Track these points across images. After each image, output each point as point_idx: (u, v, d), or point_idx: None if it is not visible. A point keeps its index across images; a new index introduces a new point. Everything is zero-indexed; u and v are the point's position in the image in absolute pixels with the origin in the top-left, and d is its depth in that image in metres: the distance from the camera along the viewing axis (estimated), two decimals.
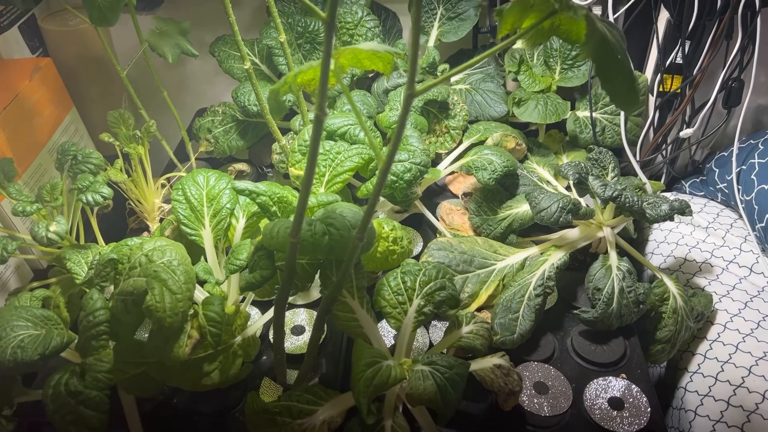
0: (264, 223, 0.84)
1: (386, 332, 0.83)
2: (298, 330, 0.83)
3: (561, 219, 0.81)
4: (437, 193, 1.05)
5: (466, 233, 0.95)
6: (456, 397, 0.65)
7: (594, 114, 1.05)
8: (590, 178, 0.83)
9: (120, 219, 1.04)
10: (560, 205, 0.81)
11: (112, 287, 0.70)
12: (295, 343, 0.81)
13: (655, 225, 1.08)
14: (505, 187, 0.94)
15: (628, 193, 0.81)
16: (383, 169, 0.55)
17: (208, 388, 0.74)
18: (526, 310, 0.79)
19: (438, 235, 0.96)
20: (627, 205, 0.80)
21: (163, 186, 0.98)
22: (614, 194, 0.80)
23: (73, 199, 0.80)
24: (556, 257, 0.83)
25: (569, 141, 1.09)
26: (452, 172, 1.05)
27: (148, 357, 0.68)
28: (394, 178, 0.82)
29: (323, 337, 0.82)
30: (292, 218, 0.78)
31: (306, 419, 0.65)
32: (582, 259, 0.92)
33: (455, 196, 1.04)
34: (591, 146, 0.94)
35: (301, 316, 0.85)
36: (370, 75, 1.10)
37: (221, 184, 0.81)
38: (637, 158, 1.08)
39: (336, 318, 0.70)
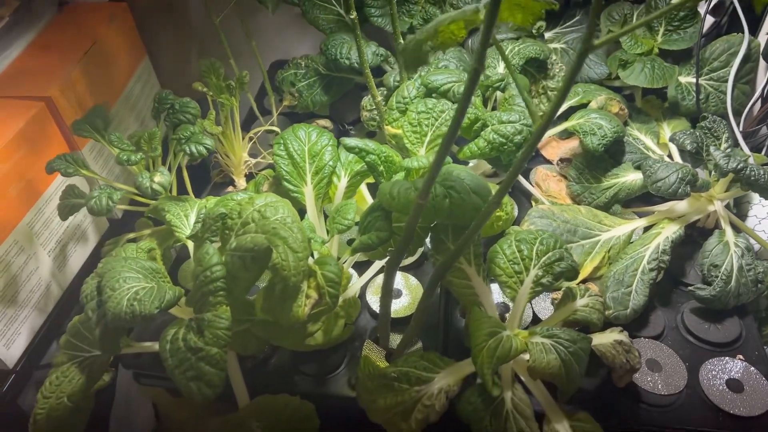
0: (365, 183, 0.81)
1: None
2: (395, 294, 0.81)
3: (680, 190, 0.76)
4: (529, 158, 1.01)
5: (562, 201, 0.91)
6: (581, 372, 0.62)
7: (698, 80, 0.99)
8: (711, 148, 0.78)
9: (201, 172, 1.01)
10: (679, 176, 0.77)
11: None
12: (393, 307, 0.79)
13: (756, 200, 1.02)
14: (610, 154, 0.90)
15: (753, 165, 0.76)
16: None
17: (310, 349, 0.73)
18: (639, 284, 0.75)
19: (533, 203, 0.92)
20: (752, 178, 0.75)
21: (250, 140, 0.95)
22: (739, 166, 0.76)
23: (171, 149, 0.78)
24: (671, 230, 0.79)
25: (669, 108, 1.03)
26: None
27: (259, 315, 0.66)
28: (503, 140, 0.78)
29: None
30: (398, 177, 0.75)
31: (423, 386, 0.63)
32: (689, 233, 0.87)
33: (548, 162, 1.00)
34: (704, 114, 0.89)
35: (395, 280, 0.82)
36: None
37: (323, 140, 0.78)
38: (740, 129, 1.02)
39: (451, 284, 0.67)
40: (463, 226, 0.67)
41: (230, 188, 0.95)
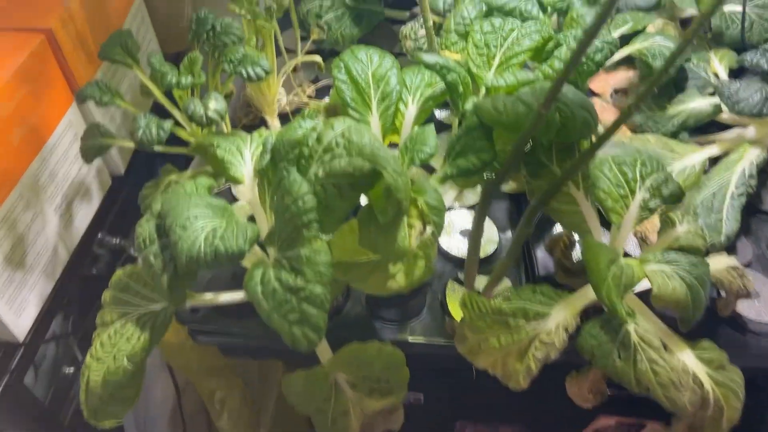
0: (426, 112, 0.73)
1: None
2: (467, 233, 0.74)
3: (764, 109, 0.73)
4: None
5: (621, 132, 0.86)
6: (705, 298, 0.58)
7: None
8: None
9: None
10: (763, 95, 0.73)
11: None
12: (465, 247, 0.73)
13: None
14: (672, 80, 0.85)
15: None
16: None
17: (391, 292, 0.65)
18: (729, 210, 0.71)
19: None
20: None
21: (283, 74, 0.86)
22: None
23: (211, 77, 0.68)
24: (754, 154, 0.75)
25: (712, 38, 0.99)
26: None
27: (338, 257, 0.59)
28: (582, 59, 0.72)
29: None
30: (473, 99, 0.68)
31: (540, 322, 0.57)
32: None
33: (595, 95, 0.94)
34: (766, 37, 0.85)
35: (467, 218, 0.76)
36: None
37: (386, 62, 0.70)
38: None
39: (557, 212, 0.61)
40: (569, 146, 0.61)
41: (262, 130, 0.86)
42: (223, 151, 0.66)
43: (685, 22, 1.00)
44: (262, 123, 0.87)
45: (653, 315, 0.62)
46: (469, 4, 0.77)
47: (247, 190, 0.67)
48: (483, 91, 0.73)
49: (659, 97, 0.84)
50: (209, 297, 0.62)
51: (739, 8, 0.96)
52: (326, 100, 0.93)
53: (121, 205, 1.04)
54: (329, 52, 1.01)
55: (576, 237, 0.69)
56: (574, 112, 0.57)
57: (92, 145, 0.67)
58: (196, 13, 0.68)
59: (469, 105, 0.68)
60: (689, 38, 0.45)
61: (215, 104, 0.61)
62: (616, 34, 0.92)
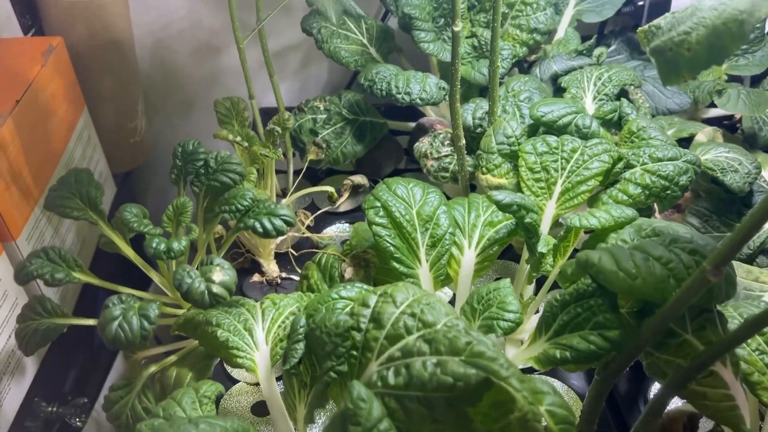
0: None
1: None
2: None
3: None
4: None
5: None
6: None
7: None
8: None
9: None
10: None
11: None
12: None
13: None
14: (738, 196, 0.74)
15: None
16: None
17: None
18: None
19: None
20: None
21: None
22: None
23: (204, 227, 0.51)
24: None
25: (744, 140, 0.91)
26: None
27: None
28: (665, 183, 0.59)
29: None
30: (547, 242, 0.53)
31: None
32: None
33: None
34: None
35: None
36: (531, 58, 0.86)
37: (432, 199, 0.55)
38: None
39: (701, 397, 0.45)
40: (707, 308, 0.46)
41: (255, 276, 0.68)
42: (226, 332, 0.47)
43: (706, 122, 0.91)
44: (255, 267, 0.69)
45: None
46: (510, 119, 0.64)
47: (261, 384, 0.48)
48: (546, 225, 0.58)
49: (727, 216, 0.72)
50: None
51: None
52: (327, 231, 0.77)
53: (59, 363, 0.82)
54: (326, 172, 0.85)
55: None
56: (728, 272, 0.43)
57: (34, 332, 0.47)
58: (182, 145, 0.51)
59: (542, 247, 0.53)
60: None
61: (221, 275, 0.43)
62: None
